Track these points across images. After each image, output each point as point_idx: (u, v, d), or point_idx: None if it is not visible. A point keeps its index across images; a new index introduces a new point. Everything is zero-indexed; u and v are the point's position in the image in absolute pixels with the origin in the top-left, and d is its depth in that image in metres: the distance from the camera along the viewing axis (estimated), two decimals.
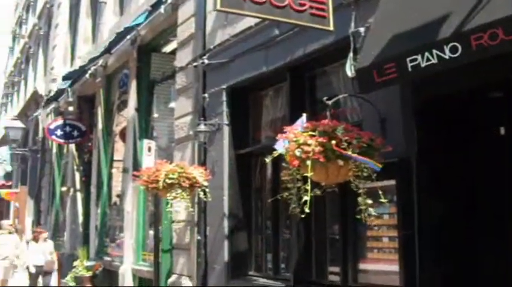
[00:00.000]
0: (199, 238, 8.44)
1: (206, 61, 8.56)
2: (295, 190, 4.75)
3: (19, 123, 22.41)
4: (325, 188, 4.89)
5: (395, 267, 5.20)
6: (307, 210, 4.49)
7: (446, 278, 5.09)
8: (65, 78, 16.21)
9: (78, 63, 17.06)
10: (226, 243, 7.98)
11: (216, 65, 8.36)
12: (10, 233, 14.98)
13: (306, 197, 4.51)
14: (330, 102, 5.10)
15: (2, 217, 31.83)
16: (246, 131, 8.23)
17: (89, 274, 12.97)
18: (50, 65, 21.75)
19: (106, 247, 13.88)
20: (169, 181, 7.50)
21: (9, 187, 27.84)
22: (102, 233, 14.13)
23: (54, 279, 14.48)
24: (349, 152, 4.40)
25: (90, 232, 14.61)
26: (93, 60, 13.78)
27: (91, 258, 13.84)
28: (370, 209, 4.66)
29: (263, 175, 8.07)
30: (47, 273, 14.01)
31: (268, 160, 5.14)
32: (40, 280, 14.21)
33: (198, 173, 7.74)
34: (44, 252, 13.72)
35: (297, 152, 4.47)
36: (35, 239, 14.05)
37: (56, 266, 13.97)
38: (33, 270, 13.78)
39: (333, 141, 4.41)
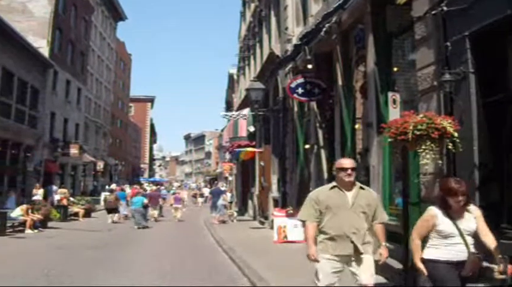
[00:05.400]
0: None
1: (445, 8, 8.55)
2: None
3: (259, 85, 23.66)
4: None
5: None
6: None
7: None
8: (300, 37, 17.04)
9: (311, 21, 17.86)
10: (477, 194, 7.88)
11: (455, 12, 8.32)
12: (363, 188, 7.49)
13: None
14: None
15: (249, 177, 34.27)
16: (493, 79, 8.05)
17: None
18: (283, 25, 22.82)
19: None
20: (418, 133, 7.60)
21: (253, 146, 29.62)
22: None
23: None
24: None
25: None
26: (326, 17, 14.39)
27: None
28: None
29: None
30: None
31: None
32: None
33: (447, 124, 7.67)
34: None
35: None
36: None
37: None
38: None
39: None
